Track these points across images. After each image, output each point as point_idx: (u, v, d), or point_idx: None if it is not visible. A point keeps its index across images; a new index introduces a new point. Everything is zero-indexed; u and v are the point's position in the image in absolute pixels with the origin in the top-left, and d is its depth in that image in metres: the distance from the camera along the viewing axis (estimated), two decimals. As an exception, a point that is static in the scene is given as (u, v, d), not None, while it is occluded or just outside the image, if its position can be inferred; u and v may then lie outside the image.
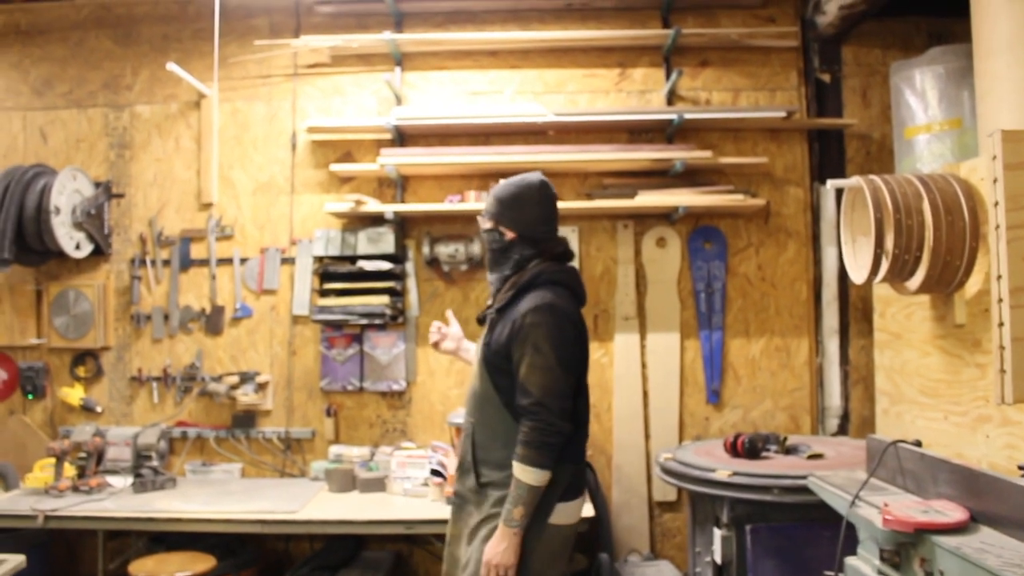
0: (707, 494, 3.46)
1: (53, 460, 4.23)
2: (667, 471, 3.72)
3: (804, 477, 3.08)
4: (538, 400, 2.52)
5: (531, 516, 2.53)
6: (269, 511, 3.80)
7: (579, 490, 2.72)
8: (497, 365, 2.67)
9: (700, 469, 3.50)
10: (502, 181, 2.82)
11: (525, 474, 2.50)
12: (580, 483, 2.74)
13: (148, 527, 3.86)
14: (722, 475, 3.38)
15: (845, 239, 3.01)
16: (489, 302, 2.85)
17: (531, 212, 2.74)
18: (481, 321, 2.89)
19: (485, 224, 2.81)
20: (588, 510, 3.33)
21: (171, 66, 4.29)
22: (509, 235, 2.74)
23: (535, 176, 2.79)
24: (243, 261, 4.57)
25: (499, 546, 2.52)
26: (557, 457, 2.54)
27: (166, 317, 4.62)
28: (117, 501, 4.00)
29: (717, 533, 3.42)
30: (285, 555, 4.45)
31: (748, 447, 3.65)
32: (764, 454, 3.68)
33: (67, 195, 4.37)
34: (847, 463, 3.40)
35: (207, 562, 3.73)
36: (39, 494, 4.11)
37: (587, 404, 2.78)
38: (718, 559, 3.40)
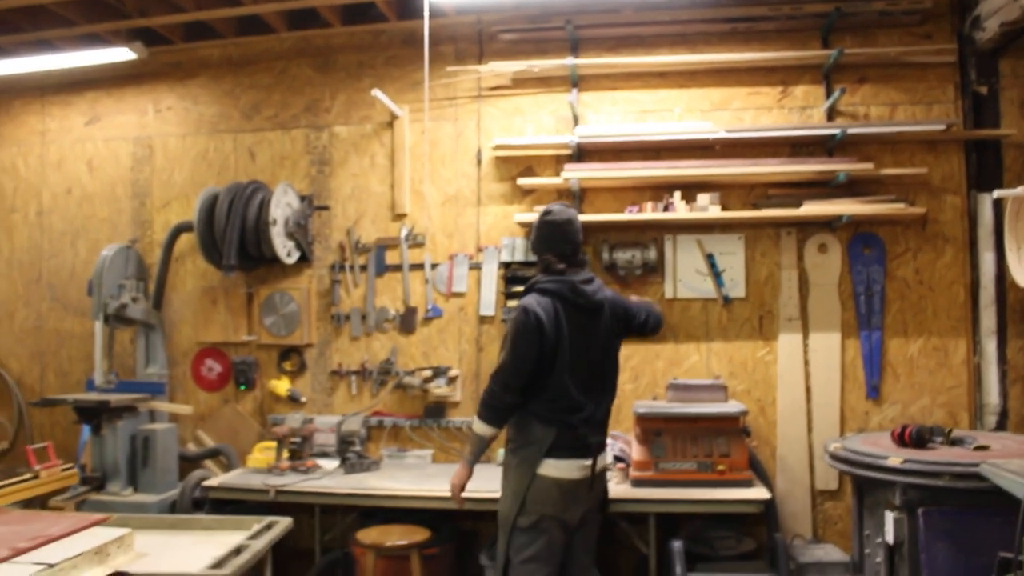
0: (879, 480, 3.92)
1: (275, 443, 4.96)
2: (837, 458, 4.21)
3: (975, 465, 3.52)
4: (494, 374, 3.50)
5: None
6: (472, 490, 4.43)
7: (569, 451, 3.47)
8: None
9: (872, 456, 3.96)
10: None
11: (475, 424, 3.57)
12: (569, 445, 3.47)
13: (366, 503, 4.52)
14: (895, 462, 3.84)
15: (1009, 246, 3.43)
16: None
17: (535, 238, 3.69)
18: None
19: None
20: (758, 492, 3.87)
21: (376, 92, 4.98)
22: (533, 257, 3.84)
23: (545, 209, 3.69)
24: (433, 266, 5.24)
25: (455, 472, 3.69)
26: (501, 418, 3.52)
27: (363, 317, 5.32)
28: (333, 480, 4.68)
29: (889, 516, 3.88)
30: (473, 534, 5.08)
31: (916, 437, 4.10)
32: (930, 444, 4.12)
33: (281, 208, 5.11)
34: (1013, 455, 3.80)
35: (423, 533, 4.37)
36: (262, 473, 4.82)
37: (576, 386, 3.52)
38: (890, 540, 3.86)
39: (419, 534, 4.35)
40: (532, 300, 3.48)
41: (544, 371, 3.44)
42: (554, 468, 3.43)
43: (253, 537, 3.44)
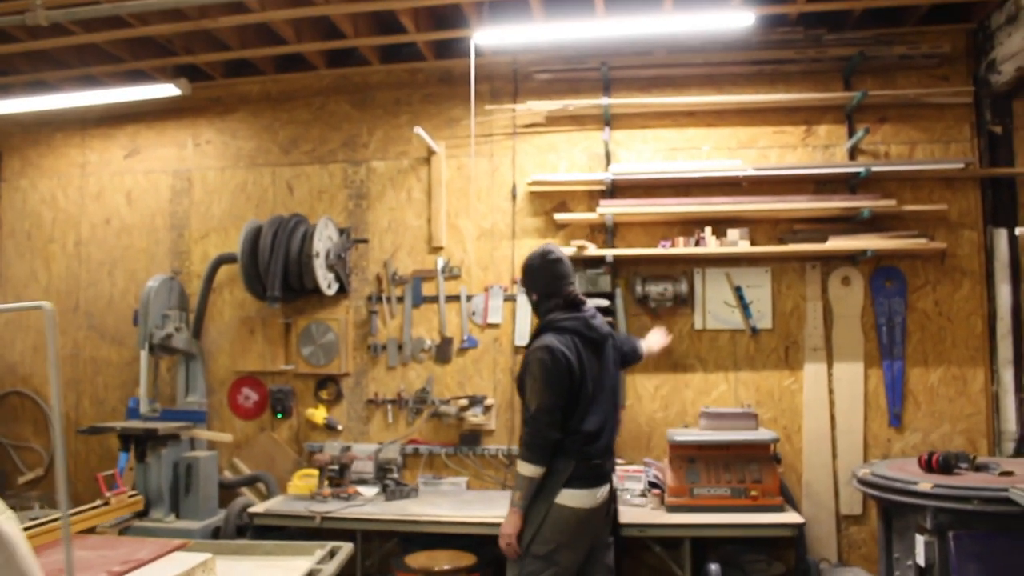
0: (909, 504, 4.13)
1: (313, 471, 5.14)
2: (866, 483, 4.42)
3: (1003, 490, 3.75)
4: (532, 415, 3.55)
5: (532, 499, 3.55)
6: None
7: (585, 482, 3.60)
8: (521, 393, 3.70)
9: (902, 482, 4.18)
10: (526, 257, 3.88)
11: (521, 467, 3.56)
12: (586, 476, 3.60)
13: (410, 528, 4.69)
14: (925, 487, 4.05)
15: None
16: None
17: (538, 277, 3.78)
18: None
19: (528, 294, 3.88)
20: (791, 517, 4.08)
21: (417, 130, 5.23)
22: (534, 296, 3.83)
23: (536, 251, 3.83)
24: (469, 298, 5.46)
25: (505, 521, 3.60)
26: (547, 456, 3.52)
27: (400, 347, 5.52)
28: (375, 506, 4.86)
29: (920, 539, 4.09)
30: (495, 558, 5.25)
31: (942, 463, 4.32)
32: (956, 470, 4.34)
33: (323, 241, 5.31)
34: (1036, 480, 4.05)
35: (469, 559, 4.56)
36: (304, 499, 4.99)
37: (597, 416, 3.66)
38: (922, 563, 4.07)
39: (465, 559, 4.54)
40: (553, 340, 3.59)
41: (570, 406, 3.59)
42: (572, 498, 3.56)
43: (321, 562, 3.60)
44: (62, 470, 1.80)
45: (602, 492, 3.67)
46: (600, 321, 3.82)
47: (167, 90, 5.48)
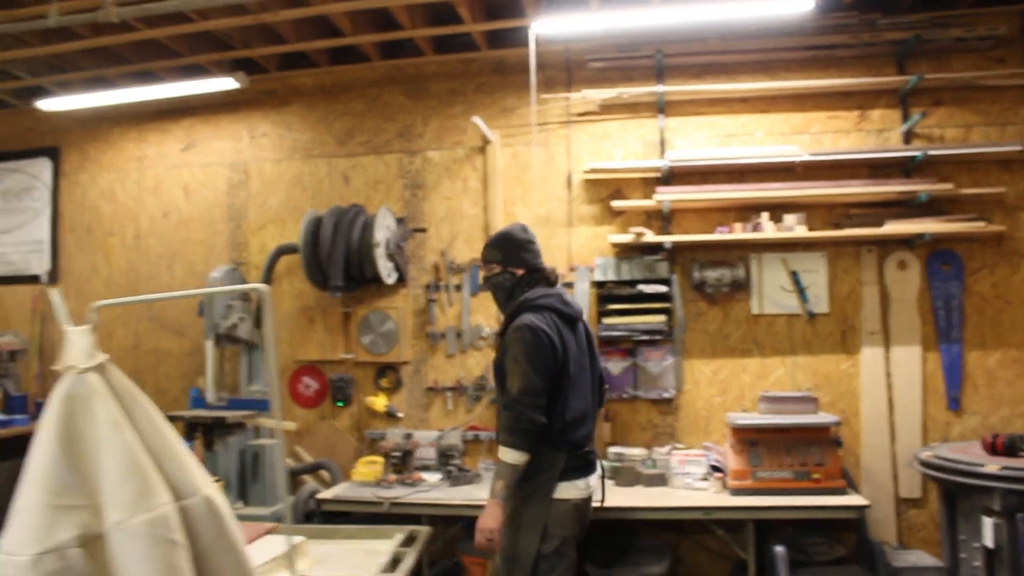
0: (975, 486, 4.19)
1: (377, 458, 5.24)
2: (929, 466, 4.49)
3: (1071, 471, 3.82)
4: (514, 398, 3.33)
5: (528, 501, 3.37)
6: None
7: (579, 471, 3.48)
8: (501, 379, 3.51)
9: (968, 464, 4.25)
10: (495, 234, 3.78)
11: (504, 454, 3.32)
12: (580, 465, 3.48)
13: (476, 513, 4.77)
14: (992, 468, 4.12)
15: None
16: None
17: (524, 251, 3.66)
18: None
19: (493, 270, 3.69)
20: (855, 499, 4.14)
21: (475, 119, 5.30)
22: (519, 272, 3.65)
23: (515, 225, 3.74)
24: (526, 285, 5.53)
25: (485, 514, 3.34)
26: (532, 441, 3.30)
27: (458, 335, 5.61)
28: (441, 492, 4.96)
29: (988, 521, 4.14)
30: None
31: (1007, 445, 4.38)
32: (1021, 452, 4.40)
33: (382, 230, 5.40)
34: (1100, 461, 4.11)
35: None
36: (370, 485, 5.09)
37: (579, 401, 3.51)
38: (990, 544, 4.13)
39: (533, 541, 4.60)
40: (533, 318, 3.41)
41: (553, 390, 3.42)
42: (568, 490, 3.44)
43: (404, 545, 3.70)
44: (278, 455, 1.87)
45: (594, 480, 3.60)
46: (571, 298, 3.74)
47: (225, 83, 5.58)
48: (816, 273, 5.28)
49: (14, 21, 4.73)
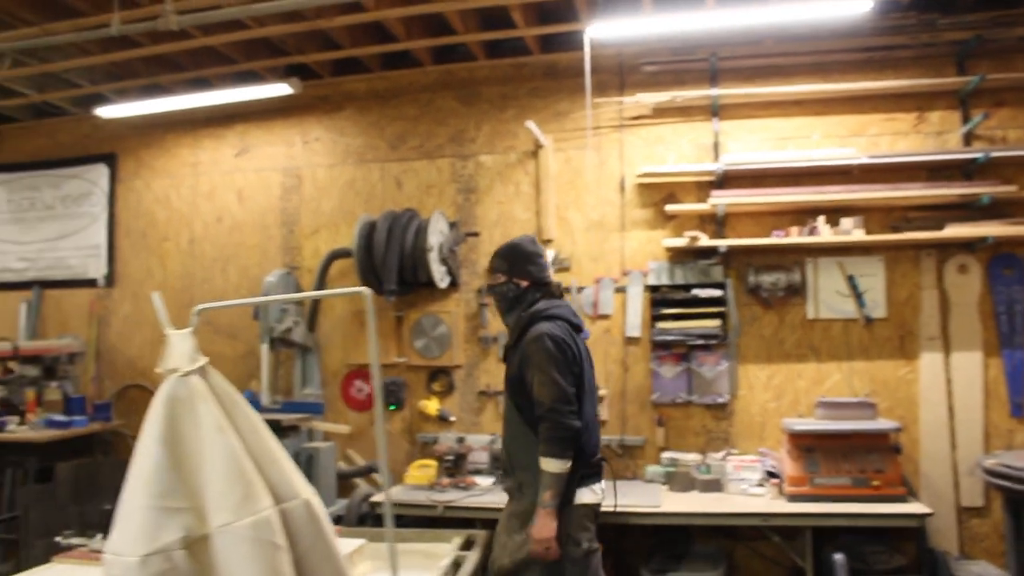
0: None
1: (430, 461, 5.25)
2: (994, 474, 4.41)
3: None
4: (549, 407, 3.37)
5: (560, 500, 3.37)
6: (636, 505, 4.68)
7: (592, 479, 3.56)
8: (517, 391, 3.55)
9: (1041, 472, 4.17)
10: (504, 244, 3.87)
11: (548, 464, 3.36)
12: (592, 474, 3.56)
13: (530, 517, 4.79)
14: (1065, 477, 4.04)
15: None
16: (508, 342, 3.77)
17: (531, 263, 3.72)
18: (504, 359, 3.79)
19: (498, 279, 3.76)
20: (917, 507, 4.05)
21: (529, 124, 5.32)
22: (524, 284, 3.70)
23: (524, 237, 3.82)
24: (579, 290, 5.52)
25: (539, 524, 3.37)
26: (572, 447, 3.36)
27: (510, 339, 5.60)
28: (494, 495, 4.95)
29: (1054, 531, 4.08)
30: (619, 547, 5.31)
31: (1076, 454, 4.30)
32: (1090, 461, 4.31)
33: (435, 235, 5.42)
34: None
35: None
36: (423, 489, 5.10)
37: (591, 408, 3.60)
38: (1062, 553, 4.06)
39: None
40: (551, 327, 3.50)
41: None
42: (585, 495, 3.53)
43: (463, 549, 3.71)
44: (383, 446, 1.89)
45: (604, 487, 3.67)
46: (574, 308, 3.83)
47: (280, 89, 5.64)
48: (874, 277, 5.21)
49: (79, 30, 4.81)
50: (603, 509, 3.71)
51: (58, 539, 3.63)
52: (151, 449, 1.64)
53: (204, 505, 1.64)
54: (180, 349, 1.74)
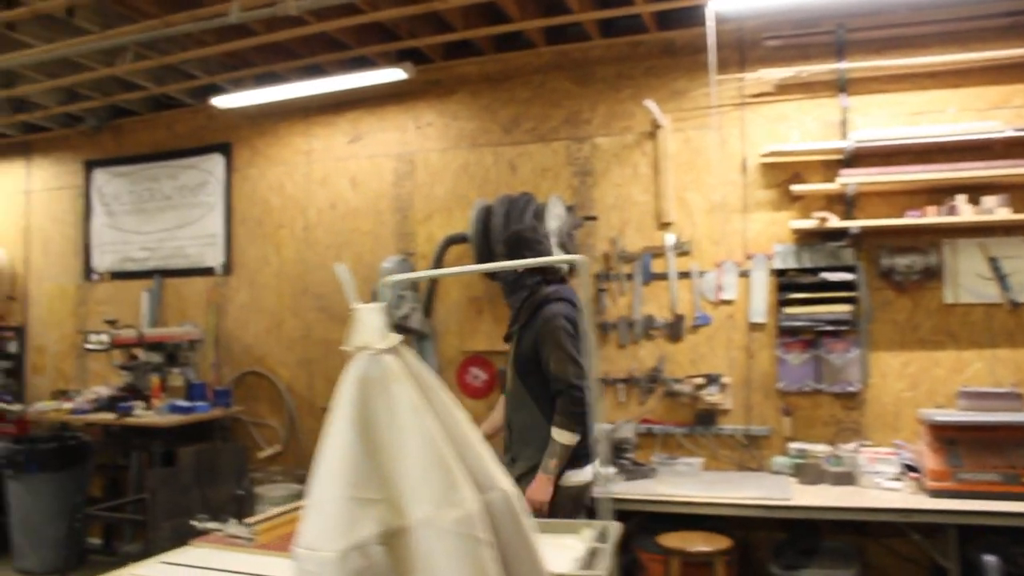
0: None
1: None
2: None
3: None
4: (568, 383, 3.68)
5: (560, 471, 3.63)
6: (766, 498, 4.54)
7: (585, 459, 3.80)
8: (528, 369, 3.85)
9: None
10: (510, 231, 4.24)
11: (560, 435, 3.67)
12: (585, 454, 3.77)
13: (658, 508, 4.68)
14: None
15: None
16: (510, 322, 4.13)
17: (532, 249, 3.95)
18: (508, 339, 4.14)
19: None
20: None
21: (648, 103, 5.18)
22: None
23: (528, 224, 4.04)
24: (700, 274, 5.37)
25: (537, 487, 3.65)
26: (584, 423, 3.63)
27: (630, 325, 5.50)
28: (616, 486, 4.86)
29: None
30: (744, 541, 5.18)
31: None
32: None
33: (553, 219, 5.32)
34: None
35: (724, 542, 4.51)
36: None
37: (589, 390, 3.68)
38: None
39: (721, 542, 4.51)
40: (562, 308, 3.81)
41: None
42: (573, 477, 3.76)
43: (600, 540, 3.62)
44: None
45: (595, 469, 3.80)
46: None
47: (393, 74, 5.62)
48: (1019, 259, 4.92)
49: (196, 20, 4.85)
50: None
51: (193, 522, 3.67)
52: (343, 433, 1.53)
53: (400, 496, 1.52)
54: (371, 325, 1.62)
